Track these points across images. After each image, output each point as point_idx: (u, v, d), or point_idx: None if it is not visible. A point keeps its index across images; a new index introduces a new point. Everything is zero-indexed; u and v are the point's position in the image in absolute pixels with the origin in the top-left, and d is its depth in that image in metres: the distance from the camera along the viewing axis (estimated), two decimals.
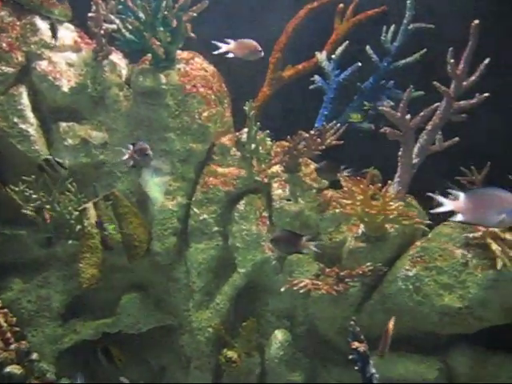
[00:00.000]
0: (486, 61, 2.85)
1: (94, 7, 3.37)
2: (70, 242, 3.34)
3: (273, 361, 3.22)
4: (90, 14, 3.37)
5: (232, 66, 3.37)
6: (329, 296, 2.99)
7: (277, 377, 3.24)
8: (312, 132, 3.22)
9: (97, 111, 3.47)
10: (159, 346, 3.59)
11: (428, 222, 3.02)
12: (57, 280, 3.46)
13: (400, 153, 3.06)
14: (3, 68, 3.26)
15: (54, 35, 3.35)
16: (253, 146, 3.33)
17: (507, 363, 2.99)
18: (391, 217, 2.88)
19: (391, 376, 3.01)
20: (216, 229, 3.35)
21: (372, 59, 3.37)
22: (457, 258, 2.89)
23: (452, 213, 2.89)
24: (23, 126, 3.29)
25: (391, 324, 2.58)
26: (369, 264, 2.93)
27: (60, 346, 3.42)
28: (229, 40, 3.17)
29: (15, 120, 3.28)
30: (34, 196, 3.21)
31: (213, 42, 3.17)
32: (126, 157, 3.03)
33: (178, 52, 3.45)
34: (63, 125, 3.39)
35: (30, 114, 3.33)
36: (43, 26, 3.39)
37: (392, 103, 3.28)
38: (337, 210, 3.13)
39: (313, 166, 3.33)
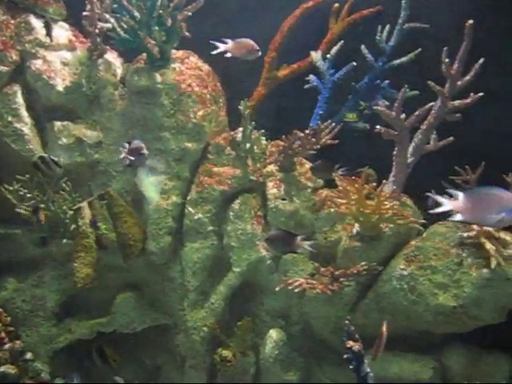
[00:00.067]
0: (481, 60, 2.85)
1: (88, 6, 3.36)
2: (65, 241, 3.34)
3: (268, 360, 3.22)
4: (84, 13, 3.37)
5: (227, 65, 3.36)
6: (324, 295, 2.99)
7: (272, 376, 3.24)
8: (307, 131, 3.22)
9: (91, 110, 3.47)
10: (154, 345, 3.59)
11: (423, 221, 3.03)
12: (51, 279, 3.45)
13: (395, 152, 3.06)
14: None
15: (49, 34, 3.34)
16: (248, 145, 3.33)
17: (501, 362, 3.00)
18: (386, 216, 2.89)
19: (386, 375, 3.01)
20: (211, 228, 3.35)
21: (367, 59, 3.37)
22: (451, 257, 2.89)
23: (446, 213, 2.95)
24: (17, 125, 3.29)
25: (384, 328, 2.57)
26: (363, 263, 2.94)
27: (54, 345, 3.42)
28: (226, 40, 3.17)
29: (9, 119, 3.28)
30: (29, 195, 3.20)
31: (211, 41, 3.17)
32: (123, 156, 3.03)
33: (173, 51, 3.45)
34: (58, 124, 3.39)
35: (24, 113, 3.33)
36: (38, 24, 3.39)
37: (387, 103, 3.28)
38: (332, 210, 3.13)
39: (308, 165, 3.33)
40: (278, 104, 3.63)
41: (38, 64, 3.35)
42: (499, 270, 2.77)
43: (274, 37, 3.57)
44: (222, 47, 3.16)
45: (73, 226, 3.22)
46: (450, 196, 2.38)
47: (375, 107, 3.02)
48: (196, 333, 3.33)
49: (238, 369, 3.28)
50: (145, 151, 3.01)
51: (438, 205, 2.96)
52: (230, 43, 3.17)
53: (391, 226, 2.97)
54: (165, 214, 3.35)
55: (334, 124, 3.26)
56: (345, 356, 2.60)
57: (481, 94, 2.86)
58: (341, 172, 3.11)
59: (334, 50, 3.44)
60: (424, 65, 3.26)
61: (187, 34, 3.38)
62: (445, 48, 2.82)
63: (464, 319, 2.86)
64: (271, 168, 3.35)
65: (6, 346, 3.19)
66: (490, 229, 2.82)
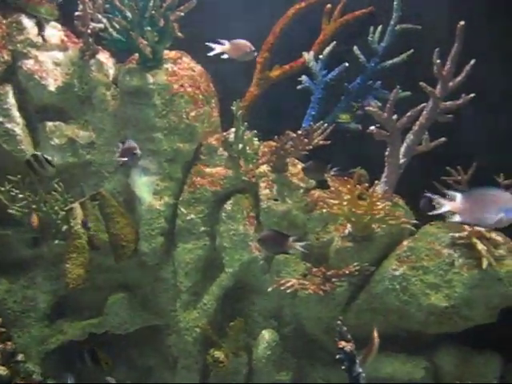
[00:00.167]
0: (472, 62, 2.86)
1: (80, 6, 3.35)
2: (57, 242, 3.33)
3: (260, 361, 3.22)
4: (76, 13, 3.35)
5: (219, 65, 3.36)
6: (316, 296, 3.00)
7: (264, 377, 3.25)
8: (299, 132, 3.23)
9: (83, 111, 3.46)
10: (146, 346, 3.59)
11: (414, 221, 3.04)
12: (43, 280, 3.44)
13: (387, 153, 3.07)
14: None
15: (41, 33, 3.33)
16: (240, 145, 3.33)
17: (492, 362, 3.01)
18: (378, 217, 2.89)
19: (378, 375, 3.02)
20: (203, 229, 3.34)
21: (359, 59, 3.38)
22: (443, 257, 2.90)
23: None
24: (9, 126, 3.27)
25: (376, 335, 2.56)
26: (356, 264, 2.94)
27: (46, 346, 3.41)
28: (223, 41, 3.17)
29: (1, 119, 3.25)
30: (20, 196, 3.19)
31: (207, 43, 3.16)
32: (117, 155, 3.03)
33: (166, 52, 3.43)
34: (50, 124, 3.37)
35: (16, 113, 3.31)
36: (29, 24, 3.36)
37: (379, 103, 3.29)
38: (324, 210, 3.13)
39: (300, 165, 3.33)
40: (270, 105, 3.63)
41: (29, 64, 3.33)
42: (490, 271, 2.78)
43: (267, 37, 3.56)
44: (218, 48, 3.16)
45: (65, 227, 3.21)
46: (447, 197, 2.39)
47: (367, 108, 3.03)
48: (188, 333, 3.33)
49: (231, 369, 3.28)
50: (137, 151, 3.00)
51: (430, 205, 2.98)
52: (227, 44, 3.17)
53: (383, 226, 2.98)
54: (157, 214, 3.34)
55: (326, 125, 3.26)
56: (337, 356, 2.61)
57: (472, 94, 2.88)
58: (333, 172, 3.12)
59: (327, 50, 3.45)
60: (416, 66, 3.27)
61: (180, 34, 3.37)
62: (436, 49, 2.84)
63: (455, 319, 2.88)
64: (264, 169, 3.35)
65: None
66: (482, 229, 2.84)
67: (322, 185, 3.25)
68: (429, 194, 2.54)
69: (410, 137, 3.08)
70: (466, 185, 3.05)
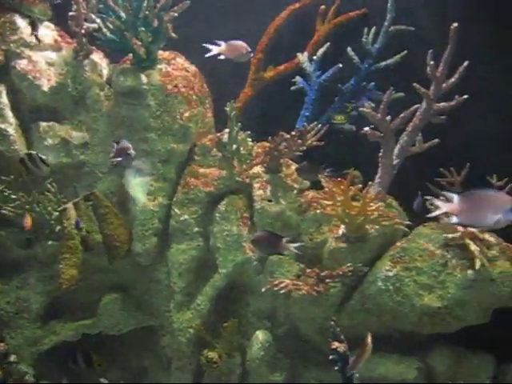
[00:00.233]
0: (465, 63, 2.87)
1: (74, 6, 3.34)
2: (50, 242, 3.33)
3: (254, 361, 3.22)
4: (70, 13, 3.35)
5: (214, 66, 3.36)
6: (310, 296, 3.00)
7: (258, 377, 3.24)
8: (293, 133, 3.23)
9: (77, 111, 3.45)
10: (140, 347, 3.58)
11: (408, 222, 3.04)
12: (36, 281, 3.43)
13: (380, 154, 3.08)
14: None
15: (35, 32, 3.32)
16: (234, 146, 3.33)
17: (485, 363, 3.02)
18: (371, 217, 2.90)
19: (371, 376, 3.02)
20: (197, 229, 3.34)
21: (353, 61, 3.39)
22: (436, 258, 2.91)
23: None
24: (2, 126, 3.26)
25: (369, 340, 2.55)
26: (349, 264, 2.95)
27: (39, 347, 3.39)
28: (219, 42, 3.16)
29: None
30: (13, 196, 3.18)
31: (203, 44, 3.16)
32: (112, 155, 3.02)
33: (160, 52, 3.43)
34: (43, 124, 3.37)
35: (9, 114, 3.30)
36: (23, 24, 3.36)
37: (373, 104, 3.29)
38: (318, 211, 3.13)
39: (294, 166, 3.33)
40: (264, 105, 3.63)
41: (23, 64, 3.32)
42: (483, 271, 2.79)
43: (261, 38, 3.56)
44: (215, 50, 3.16)
45: (58, 228, 3.20)
46: (441, 198, 2.39)
47: (361, 109, 3.03)
48: (182, 334, 3.33)
49: (224, 370, 3.28)
50: (131, 151, 3.00)
51: (423, 206, 3.00)
52: (223, 45, 3.16)
53: (377, 227, 2.98)
54: (151, 215, 3.34)
55: (319, 126, 3.27)
56: (330, 357, 2.61)
57: (465, 96, 2.89)
58: (327, 173, 3.12)
59: (321, 51, 3.45)
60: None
61: (173, 35, 3.37)
62: (430, 50, 2.84)
63: (449, 320, 2.88)
64: (257, 169, 3.35)
65: None
66: (475, 230, 2.85)
67: (316, 186, 3.25)
68: (428, 197, 2.52)
69: (403, 138, 3.08)
70: (459, 186, 3.06)
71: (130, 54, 3.39)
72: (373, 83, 3.42)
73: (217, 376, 3.31)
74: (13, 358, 3.24)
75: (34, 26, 3.32)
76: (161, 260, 3.41)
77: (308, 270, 3.04)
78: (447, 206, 2.32)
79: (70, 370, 3.39)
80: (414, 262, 2.93)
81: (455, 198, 2.29)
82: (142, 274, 3.45)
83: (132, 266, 3.43)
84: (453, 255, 2.88)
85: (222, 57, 3.16)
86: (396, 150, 3.09)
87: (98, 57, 3.51)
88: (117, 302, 3.45)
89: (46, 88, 3.34)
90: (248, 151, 3.39)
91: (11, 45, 3.32)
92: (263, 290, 3.06)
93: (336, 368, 2.59)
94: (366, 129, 3.01)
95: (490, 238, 2.89)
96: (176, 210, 3.35)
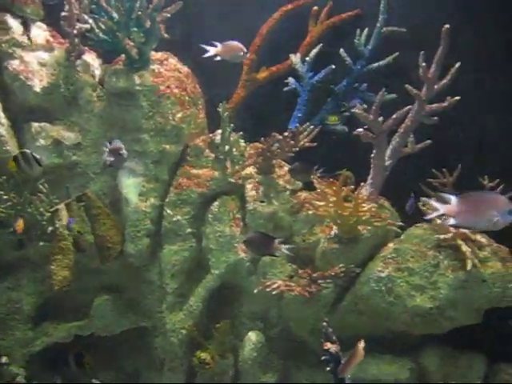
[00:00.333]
0: (457, 64, 2.88)
1: (67, 6, 3.33)
2: (42, 243, 3.31)
3: (246, 362, 3.22)
4: (62, 14, 3.34)
5: (206, 67, 3.36)
6: (302, 297, 3.00)
7: (250, 378, 3.24)
8: (285, 134, 3.23)
9: (69, 112, 3.44)
10: (132, 348, 3.58)
11: (400, 223, 3.05)
12: (28, 282, 3.42)
13: (373, 155, 3.08)
14: None
15: (27, 33, 3.31)
16: (226, 147, 3.33)
17: (476, 363, 3.03)
18: (364, 218, 2.90)
19: (364, 376, 3.02)
20: (189, 230, 3.34)
21: (346, 62, 3.39)
22: (428, 259, 2.92)
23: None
24: None
25: (361, 346, 2.54)
26: (341, 265, 2.95)
27: (31, 349, 3.38)
28: (215, 43, 3.16)
29: None
30: (5, 197, 3.16)
31: (200, 45, 3.16)
32: (105, 155, 3.02)
33: (152, 53, 3.43)
34: (35, 125, 3.35)
35: (0, 114, 3.29)
36: (15, 24, 3.35)
37: (365, 106, 3.30)
38: (310, 212, 3.13)
39: (286, 167, 3.34)
40: (256, 106, 3.63)
41: (14, 64, 3.31)
42: (475, 272, 2.80)
43: (254, 39, 3.56)
44: (212, 51, 3.15)
45: (50, 229, 3.19)
46: (435, 199, 2.39)
47: (353, 110, 3.04)
48: (174, 335, 3.32)
49: (217, 371, 3.27)
50: (123, 152, 2.99)
51: (416, 207, 3.00)
52: (219, 46, 3.16)
53: (369, 228, 2.99)
54: (143, 216, 3.34)
55: (312, 126, 3.27)
56: (322, 358, 2.62)
57: (457, 97, 2.89)
58: (319, 174, 3.12)
59: (313, 52, 3.46)
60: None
61: (166, 35, 3.37)
62: (422, 52, 2.85)
63: (440, 320, 2.89)
64: (250, 170, 3.36)
65: None
66: (467, 231, 2.86)
67: (309, 186, 3.26)
68: (425, 199, 2.52)
69: (395, 139, 3.09)
70: (451, 187, 3.07)
71: (123, 55, 3.38)
72: (365, 84, 3.42)
73: (209, 377, 3.31)
74: (4, 359, 3.22)
75: (26, 25, 3.31)
76: (153, 261, 3.41)
77: (300, 271, 3.05)
78: (445, 207, 2.30)
79: (61, 371, 3.38)
80: (406, 263, 2.93)
81: (453, 199, 2.28)
82: (134, 275, 3.44)
83: (124, 267, 3.42)
84: (445, 256, 2.89)
85: (218, 58, 3.16)
86: (388, 151, 3.09)
87: (90, 57, 3.50)
88: (109, 303, 3.44)
89: (38, 88, 3.33)
90: (240, 152, 3.39)
91: (3, 45, 3.30)
92: (255, 291, 3.06)
93: (328, 369, 2.59)
94: (360, 130, 3.02)
95: (482, 238, 2.90)
96: (168, 211, 3.35)
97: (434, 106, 2.96)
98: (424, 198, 2.96)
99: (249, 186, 3.32)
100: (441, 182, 3.11)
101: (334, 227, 3.04)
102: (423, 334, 3.03)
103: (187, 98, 3.42)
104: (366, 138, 3.03)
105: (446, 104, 2.93)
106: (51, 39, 3.45)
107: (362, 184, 2.98)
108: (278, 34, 3.57)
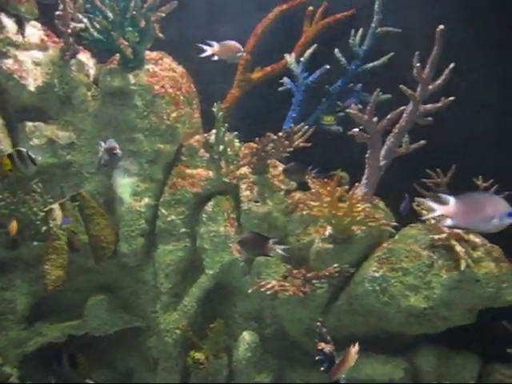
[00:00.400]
0: (452, 65, 2.89)
1: (61, 5, 3.32)
2: (36, 243, 3.30)
3: (240, 362, 3.22)
4: (57, 13, 3.33)
5: (201, 67, 3.36)
6: (296, 297, 3.00)
7: (245, 378, 3.24)
8: (280, 134, 3.23)
9: (64, 111, 3.43)
10: (127, 347, 3.57)
11: (394, 223, 3.06)
12: (22, 282, 3.40)
13: (367, 155, 3.09)
14: None
15: (22, 31, 3.29)
16: (221, 147, 3.33)
17: (470, 363, 3.04)
18: (358, 218, 2.91)
19: (358, 376, 3.03)
20: (184, 230, 3.34)
21: (340, 62, 3.39)
22: (422, 259, 2.92)
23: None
24: None
25: (354, 350, 2.53)
26: (336, 265, 2.96)
27: (25, 349, 3.37)
28: (212, 42, 3.15)
29: None
30: None
31: (197, 44, 3.15)
32: (100, 155, 3.01)
33: (147, 52, 3.42)
34: (29, 124, 3.34)
35: None
36: (9, 23, 3.33)
37: (360, 106, 3.30)
38: (304, 212, 3.13)
39: (281, 167, 3.34)
40: (251, 106, 3.63)
41: (9, 63, 3.30)
42: (468, 272, 2.81)
43: (248, 39, 3.56)
44: (209, 50, 3.15)
45: (44, 228, 3.18)
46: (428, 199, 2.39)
47: (347, 110, 3.04)
48: (169, 335, 3.32)
49: (211, 371, 3.27)
50: (118, 151, 2.98)
51: (410, 208, 3.01)
52: (216, 46, 3.15)
53: (363, 228, 2.99)
54: (137, 215, 3.33)
55: (306, 127, 3.27)
56: (317, 358, 2.62)
57: (452, 98, 2.90)
58: (313, 174, 3.12)
59: (308, 53, 3.46)
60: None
61: (161, 35, 3.37)
62: (416, 52, 2.86)
63: (434, 320, 2.90)
64: (244, 170, 3.35)
65: None
66: (460, 231, 2.86)
67: (303, 187, 3.26)
68: (423, 199, 2.52)
69: (390, 139, 3.10)
70: (445, 187, 3.08)
71: (117, 54, 3.37)
72: (360, 84, 3.42)
73: (203, 377, 3.30)
74: None
75: (20, 24, 3.30)
76: (147, 261, 3.41)
77: (295, 271, 3.05)
78: (443, 208, 2.30)
79: (55, 371, 3.37)
80: (401, 263, 2.94)
81: (451, 200, 2.27)
82: (128, 274, 3.44)
83: (118, 267, 3.42)
84: (439, 256, 2.90)
85: (215, 57, 3.15)
86: (383, 152, 3.10)
87: (85, 57, 3.49)
88: (103, 302, 3.44)
89: (32, 88, 3.32)
90: (235, 152, 3.39)
91: None
92: (250, 291, 3.07)
93: (322, 368, 2.59)
94: (355, 130, 3.02)
95: (476, 239, 2.91)
96: (163, 211, 3.34)
97: (429, 106, 2.97)
98: (418, 199, 2.97)
99: (243, 186, 3.32)
100: (435, 182, 3.11)
101: (329, 227, 3.05)
102: (417, 334, 3.03)
103: (182, 97, 3.41)
104: (361, 139, 3.03)
105: (440, 104, 2.94)
106: (46, 38, 3.44)
107: (356, 184, 2.98)
108: (273, 34, 3.57)
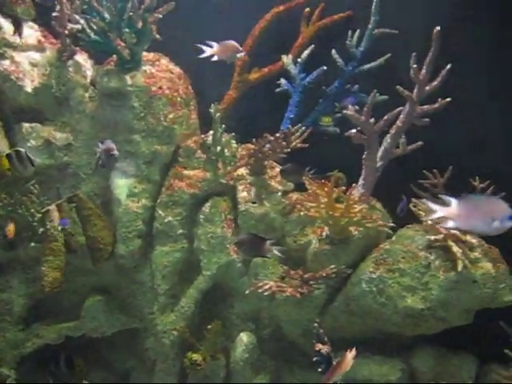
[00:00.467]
0: (448, 66, 2.89)
1: (58, 6, 3.32)
2: (33, 244, 3.30)
3: (238, 363, 3.22)
4: (54, 14, 3.32)
5: (198, 67, 3.36)
6: (293, 298, 3.00)
7: (242, 379, 3.24)
8: (277, 135, 3.23)
9: (61, 112, 3.43)
10: (124, 349, 3.57)
11: (391, 224, 3.06)
12: (19, 284, 3.39)
13: (364, 156, 3.09)
14: None
15: (19, 31, 3.29)
16: (218, 148, 3.33)
17: (467, 363, 3.04)
18: (355, 219, 2.91)
19: (355, 377, 3.02)
20: (181, 231, 3.34)
21: (337, 63, 3.40)
22: (419, 260, 2.92)
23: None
24: None
25: (350, 355, 2.50)
26: (333, 266, 2.96)
27: (22, 350, 3.36)
28: (211, 43, 3.15)
29: None
30: None
31: (197, 45, 3.15)
32: (98, 156, 3.01)
33: (144, 53, 3.42)
34: (26, 125, 3.34)
35: None
36: (5, 24, 3.33)
37: (357, 107, 3.30)
38: (301, 213, 3.13)
39: (278, 168, 3.34)
40: (248, 107, 3.63)
41: (5, 64, 3.29)
42: (465, 273, 2.81)
43: (246, 40, 3.56)
44: (208, 51, 3.14)
45: (41, 230, 3.18)
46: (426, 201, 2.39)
47: (344, 111, 3.04)
48: (166, 336, 3.31)
49: (208, 372, 3.27)
50: (115, 152, 2.98)
51: (403, 208, 3.01)
52: (216, 46, 3.14)
53: (360, 229, 2.99)
54: (135, 217, 3.33)
55: (304, 128, 3.27)
56: (314, 359, 2.62)
57: (448, 99, 2.91)
58: (311, 175, 3.13)
59: (305, 54, 3.46)
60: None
61: (158, 36, 3.36)
62: (413, 53, 2.86)
63: (432, 321, 2.90)
64: (242, 171, 3.35)
65: None
66: (457, 232, 2.87)
67: (300, 188, 3.26)
68: (424, 201, 2.52)
69: (387, 140, 3.10)
70: (442, 188, 3.08)
71: (114, 56, 3.37)
72: (357, 86, 3.43)
73: (201, 378, 3.30)
74: None
75: (17, 24, 3.29)
76: (145, 262, 3.40)
77: (292, 272, 3.05)
78: (445, 209, 2.29)
79: (52, 372, 3.37)
80: (398, 264, 2.94)
81: (454, 202, 2.26)
82: (125, 276, 3.43)
83: (116, 268, 3.41)
84: (436, 257, 2.90)
85: (214, 58, 3.15)
86: (380, 153, 3.10)
87: (82, 58, 3.49)
88: (100, 304, 3.43)
89: (29, 89, 3.32)
90: (232, 153, 3.39)
91: None
92: (247, 292, 3.07)
93: (319, 370, 2.59)
94: (353, 131, 3.02)
95: (473, 239, 2.91)
96: (160, 212, 3.34)
97: (426, 107, 2.97)
98: (417, 200, 2.97)
99: (240, 187, 3.32)
100: (432, 183, 3.12)
101: (326, 228, 3.05)
102: (414, 335, 3.03)
103: (179, 98, 3.41)
104: (358, 140, 3.03)
105: (437, 105, 2.94)
106: (43, 39, 3.44)
107: (353, 185, 2.98)
108: (270, 35, 3.57)
